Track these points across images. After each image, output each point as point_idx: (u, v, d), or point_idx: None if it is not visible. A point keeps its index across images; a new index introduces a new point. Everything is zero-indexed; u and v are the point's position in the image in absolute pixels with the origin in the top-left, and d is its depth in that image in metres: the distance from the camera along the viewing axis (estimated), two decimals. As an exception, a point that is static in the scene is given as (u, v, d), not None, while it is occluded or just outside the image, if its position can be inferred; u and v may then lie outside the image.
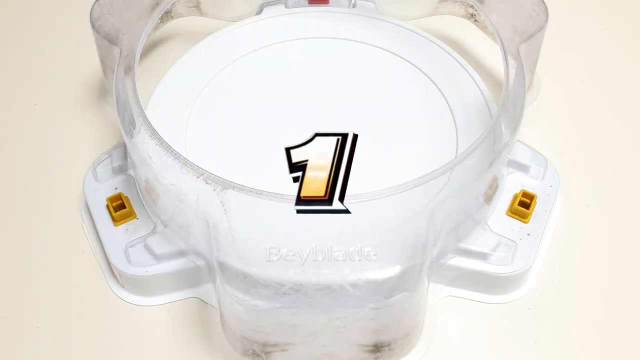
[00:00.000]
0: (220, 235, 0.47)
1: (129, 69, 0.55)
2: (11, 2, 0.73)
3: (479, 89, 0.61)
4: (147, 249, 0.53)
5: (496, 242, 0.53)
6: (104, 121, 0.63)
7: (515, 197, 0.55)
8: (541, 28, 0.57)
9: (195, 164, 0.49)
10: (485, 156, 0.50)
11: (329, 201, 0.48)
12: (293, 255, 0.47)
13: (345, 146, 0.58)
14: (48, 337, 0.53)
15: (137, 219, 0.55)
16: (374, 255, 0.47)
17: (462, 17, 0.65)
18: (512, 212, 0.55)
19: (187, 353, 0.52)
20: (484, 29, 0.64)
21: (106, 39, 0.57)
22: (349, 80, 0.62)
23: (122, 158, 0.57)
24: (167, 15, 0.64)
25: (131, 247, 0.53)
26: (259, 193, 0.48)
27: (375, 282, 0.46)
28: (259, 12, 0.67)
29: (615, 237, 0.57)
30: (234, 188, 0.48)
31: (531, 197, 0.55)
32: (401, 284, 0.47)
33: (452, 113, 0.60)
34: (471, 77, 0.62)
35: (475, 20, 0.64)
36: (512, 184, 0.56)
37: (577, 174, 0.60)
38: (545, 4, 0.58)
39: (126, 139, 0.53)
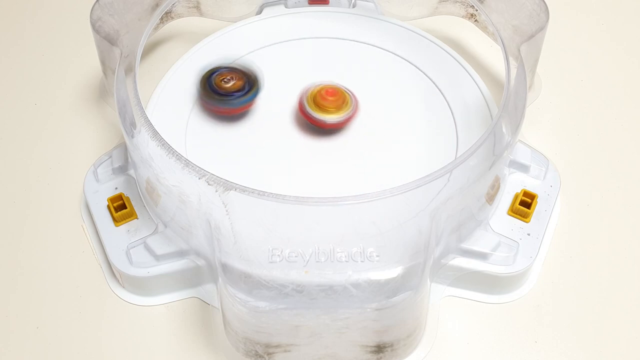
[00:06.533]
0: (222, 237, 0.47)
1: (129, 70, 0.55)
2: (11, 2, 0.73)
3: (479, 89, 0.61)
4: (148, 249, 0.53)
5: (498, 243, 0.53)
6: (104, 121, 0.63)
7: (517, 196, 0.55)
8: (542, 28, 0.57)
9: (197, 165, 0.49)
10: (486, 156, 0.50)
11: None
12: (296, 257, 0.47)
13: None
14: (48, 337, 0.53)
15: (138, 219, 0.55)
16: (377, 256, 0.47)
17: (462, 17, 0.65)
18: (513, 212, 0.55)
19: (189, 353, 0.52)
20: (484, 29, 0.64)
21: (106, 39, 0.57)
22: (348, 81, 0.62)
23: (122, 159, 0.57)
24: (167, 15, 0.64)
25: (133, 247, 0.53)
26: (261, 194, 0.48)
27: (378, 283, 0.46)
28: (259, 12, 0.67)
29: (615, 237, 0.58)
30: (236, 189, 0.48)
31: (532, 197, 0.55)
32: (404, 285, 0.47)
33: (452, 113, 0.60)
34: (471, 77, 0.62)
35: (476, 21, 0.64)
36: (513, 184, 0.56)
37: (577, 174, 0.60)
38: (545, 4, 0.58)
39: (127, 140, 0.53)
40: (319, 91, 0.59)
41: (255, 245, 0.47)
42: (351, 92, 0.60)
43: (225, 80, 0.59)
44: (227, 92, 0.59)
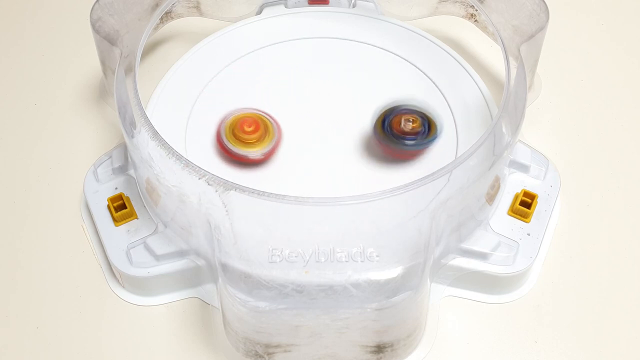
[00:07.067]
0: (222, 237, 0.47)
1: (129, 70, 0.55)
2: (11, 2, 0.73)
3: (479, 89, 0.61)
4: (148, 249, 0.53)
5: (498, 243, 0.53)
6: (104, 121, 0.63)
7: (517, 196, 0.55)
8: (542, 28, 0.57)
9: (197, 165, 0.49)
10: (486, 157, 0.50)
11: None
12: (296, 257, 0.47)
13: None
14: (48, 337, 0.53)
15: (138, 219, 0.55)
16: (377, 256, 0.47)
17: (462, 17, 0.65)
18: (514, 212, 0.55)
19: (189, 353, 0.52)
20: (484, 29, 0.64)
21: (106, 39, 0.57)
22: (349, 81, 0.62)
23: (122, 159, 0.57)
24: (167, 15, 0.64)
25: (133, 247, 0.53)
26: (261, 194, 0.48)
27: (378, 283, 0.46)
28: (259, 12, 0.67)
29: (615, 237, 0.58)
30: (236, 189, 0.48)
31: (532, 197, 0.55)
32: (404, 285, 0.47)
33: (452, 113, 0.60)
34: (471, 77, 0.62)
35: (476, 21, 0.64)
36: (513, 184, 0.56)
37: (577, 174, 0.60)
38: (545, 4, 0.58)
39: (127, 140, 0.53)
40: (237, 123, 0.56)
41: (255, 245, 0.47)
42: (272, 119, 0.58)
43: (405, 121, 0.55)
44: (402, 135, 0.56)
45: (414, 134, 0.56)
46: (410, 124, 0.56)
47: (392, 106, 0.57)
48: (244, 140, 0.56)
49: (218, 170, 0.53)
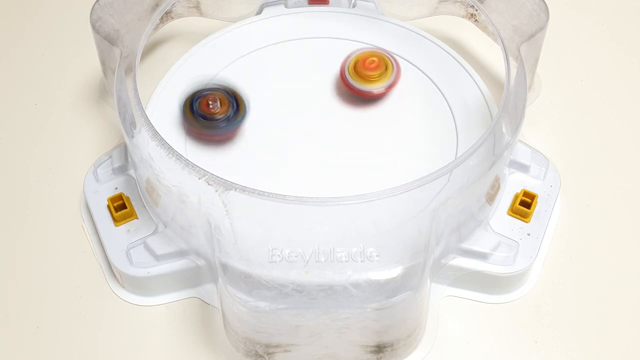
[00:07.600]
0: (222, 237, 0.47)
1: (129, 70, 0.55)
2: (11, 2, 0.73)
3: (479, 89, 0.61)
4: (148, 249, 0.53)
5: (498, 243, 0.53)
6: (104, 121, 0.63)
7: (517, 196, 0.55)
8: (542, 28, 0.57)
9: (197, 165, 0.49)
10: (486, 156, 0.50)
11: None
12: (296, 257, 0.47)
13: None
14: (48, 337, 0.53)
15: (138, 219, 0.55)
16: (377, 255, 0.47)
17: (462, 17, 0.65)
18: (513, 212, 0.55)
19: (189, 353, 0.52)
20: (484, 29, 0.64)
21: (106, 39, 0.57)
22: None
23: (122, 159, 0.57)
24: (167, 15, 0.64)
25: (133, 247, 0.53)
26: (261, 194, 0.48)
27: (378, 283, 0.46)
28: (259, 12, 0.67)
29: (615, 237, 0.58)
30: (236, 189, 0.48)
31: (532, 197, 0.55)
32: (404, 285, 0.47)
33: (452, 113, 0.60)
34: (471, 77, 0.62)
35: (476, 20, 0.64)
36: (513, 184, 0.56)
37: (577, 174, 0.60)
38: (545, 4, 0.58)
39: (127, 140, 0.53)
40: (360, 60, 0.60)
41: (255, 245, 0.47)
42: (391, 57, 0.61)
43: (210, 104, 0.57)
44: (214, 117, 0.57)
45: (223, 115, 0.57)
46: (218, 105, 0.57)
47: (197, 89, 0.59)
48: (367, 77, 0.60)
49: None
